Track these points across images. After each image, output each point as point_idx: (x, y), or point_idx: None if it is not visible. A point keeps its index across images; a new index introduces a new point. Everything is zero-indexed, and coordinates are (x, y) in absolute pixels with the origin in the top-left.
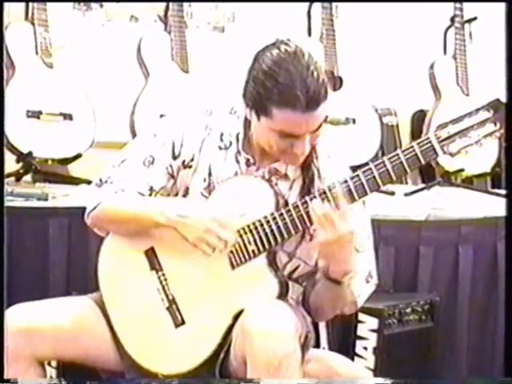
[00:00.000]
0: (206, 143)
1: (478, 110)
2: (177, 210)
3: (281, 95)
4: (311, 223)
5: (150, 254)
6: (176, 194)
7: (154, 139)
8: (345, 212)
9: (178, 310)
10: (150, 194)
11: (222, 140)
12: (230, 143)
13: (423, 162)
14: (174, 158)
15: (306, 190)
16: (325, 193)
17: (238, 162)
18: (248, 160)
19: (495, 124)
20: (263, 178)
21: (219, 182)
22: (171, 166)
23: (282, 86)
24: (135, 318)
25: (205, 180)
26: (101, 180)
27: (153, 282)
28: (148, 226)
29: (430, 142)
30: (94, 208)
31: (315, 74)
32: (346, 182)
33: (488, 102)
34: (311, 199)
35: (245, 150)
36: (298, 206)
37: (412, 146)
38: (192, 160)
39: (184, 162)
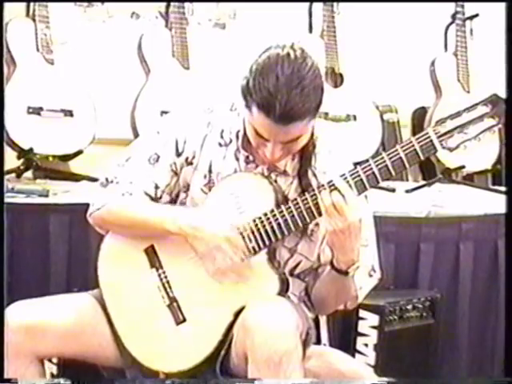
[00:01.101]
0: (208, 140)
1: (476, 104)
2: (190, 220)
3: (260, 97)
4: (311, 219)
5: (150, 252)
6: (178, 192)
7: (158, 137)
8: (353, 201)
9: (179, 307)
10: (156, 193)
11: (222, 137)
12: (230, 140)
13: (422, 157)
14: (178, 155)
15: (306, 185)
16: (333, 184)
17: (237, 159)
18: (247, 157)
19: (493, 119)
20: (262, 175)
21: (219, 178)
22: (175, 163)
23: (264, 90)
24: (135, 316)
25: (205, 177)
26: (107, 179)
27: (153, 280)
28: (157, 233)
29: (429, 137)
30: (99, 209)
31: (305, 90)
32: (345, 177)
33: (486, 97)
34: (320, 191)
35: (244, 148)
36: (297, 202)
37: (411, 142)
38: (194, 157)
39: (187, 158)
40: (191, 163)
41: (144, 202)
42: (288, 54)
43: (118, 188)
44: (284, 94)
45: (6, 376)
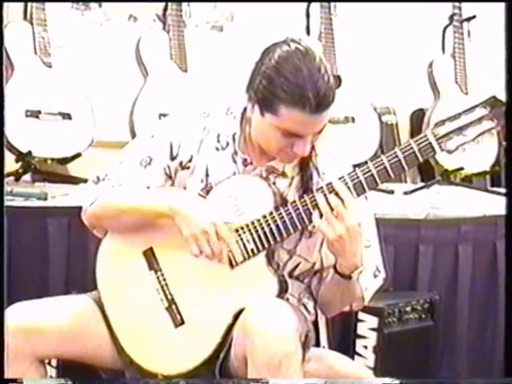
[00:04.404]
0: (204, 144)
1: (474, 107)
2: (180, 201)
3: (291, 94)
4: (310, 221)
5: (149, 255)
6: None
7: (152, 140)
8: (352, 204)
9: (178, 309)
10: None
11: (218, 141)
12: (227, 144)
13: (421, 159)
14: (172, 158)
15: (305, 187)
16: (332, 186)
17: (235, 162)
18: (245, 160)
19: (492, 121)
20: (261, 177)
21: (216, 182)
22: (169, 166)
23: (293, 86)
24: (134, 319)
25: (202, 181)
26: (98, 178)
27: (152, 283)
28: (149, 217)
29: (428, 139)
30: (91, 204)
31: (326, 76)
32: (343, 179)
33: (485, 99)
34: (317, 193)
35: (241, 150)
36: (296, 205)
37: (410, 144)
38: (190, 161)
39: (182, 163)
40: (187, 167)
41: (134, 190)
42: (297, 48)
43: (109, 183)
44: (313, 83)
45: (6, 376)
